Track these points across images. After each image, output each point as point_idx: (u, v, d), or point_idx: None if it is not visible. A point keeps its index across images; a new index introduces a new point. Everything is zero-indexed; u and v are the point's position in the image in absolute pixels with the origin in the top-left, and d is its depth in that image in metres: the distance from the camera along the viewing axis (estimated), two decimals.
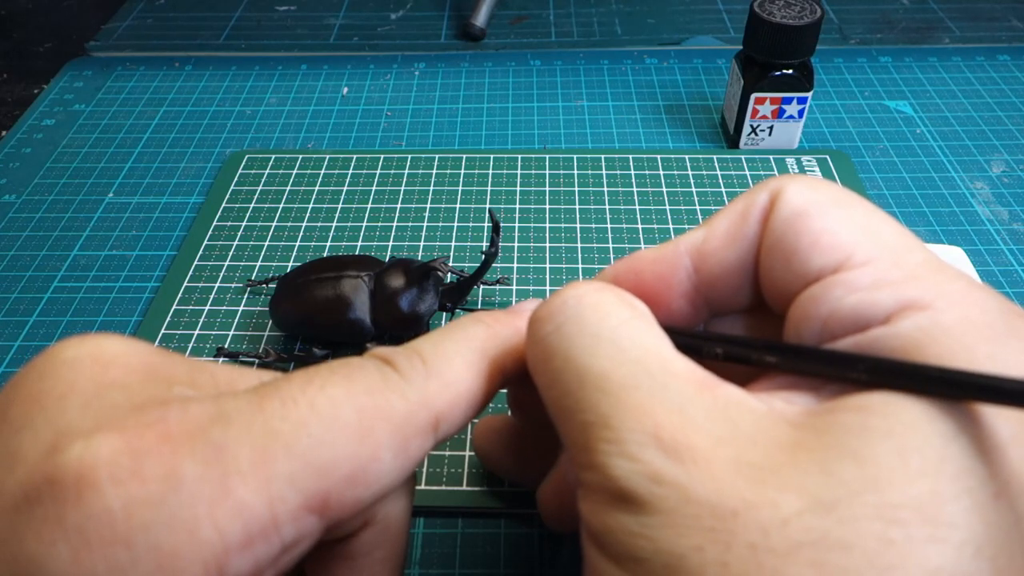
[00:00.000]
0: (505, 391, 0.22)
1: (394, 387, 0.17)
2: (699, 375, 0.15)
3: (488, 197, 0.42)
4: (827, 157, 0.44)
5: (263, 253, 0.39)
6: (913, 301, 0.15)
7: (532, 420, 0.23)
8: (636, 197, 0.42)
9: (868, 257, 0.16)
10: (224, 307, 0.36)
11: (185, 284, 0.37)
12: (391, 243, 0.40)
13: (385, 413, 0.16)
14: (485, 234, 0.40)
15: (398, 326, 0.32)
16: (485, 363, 0.19)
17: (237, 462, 0.14)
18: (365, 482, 0.16)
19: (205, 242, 0.40)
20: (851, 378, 0.14)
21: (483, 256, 0.32)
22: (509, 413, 0.25)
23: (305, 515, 0.15)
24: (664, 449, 0.14)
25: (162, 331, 0.35)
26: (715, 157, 0.44)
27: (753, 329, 0.19)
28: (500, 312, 0.20)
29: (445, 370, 0.18)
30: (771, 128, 0.45)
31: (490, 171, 0.44)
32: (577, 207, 0.41)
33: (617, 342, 0.16)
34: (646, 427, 0.14)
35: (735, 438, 0.14)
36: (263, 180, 0.44)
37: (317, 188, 0.43)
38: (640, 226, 0.40)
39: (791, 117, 0.44)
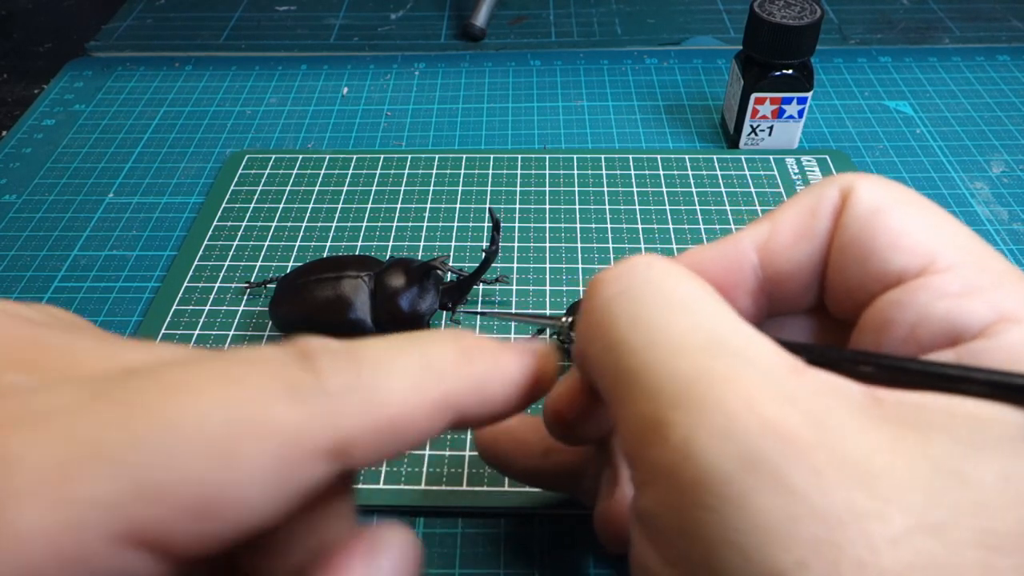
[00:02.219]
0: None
1: (295, 392, 0.13)
2: (786, 356, 0.14)
3: (488, 197, 0.42)
4: (827, 157, 0.44)
5: (263, 253, 0.39)
6: (1010, 312, 0.14)
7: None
8: (636, 197, 0.42)
9: (952, 261, 0.15)
10: (224, 307, 0.36)
11: (185, 284, 0.37)
12: (391, 243, 0.40)
13: (266, 428, 0.13)
14: (485, 234, 0.40)
15: (399, 326, 0.32)
16: (439, 393, 0.15)
17: (25, 478, 0.11)
18: (218, 514, 0.12)
19: (205, 242, 0.40)
20: (970, 392, 0.13)
21: (483, 254, 0.32)
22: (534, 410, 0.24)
23: (121, 550, 0.12)
24: (759, 430, 0.12)
25: (162, 331, 0.35)
26: (715, 157, 0.44)
27: (807, 332, 0.19)
28: (489, 341, 0.17)
29: (381, 386, 0.14)
30: (771, 128, 0.45)
31: (490, 171, 0.44)
32: (577, 207, 0.41)
33: (693, 310, 0.15)
34: (737, 401, 0.13)
35: (833, 428, 0.13)
36: (263, 180, 0.44)
37: (317, 188, 0.43)
38: (640, 226, 0.40)
39: (791, 117, 0.44)
